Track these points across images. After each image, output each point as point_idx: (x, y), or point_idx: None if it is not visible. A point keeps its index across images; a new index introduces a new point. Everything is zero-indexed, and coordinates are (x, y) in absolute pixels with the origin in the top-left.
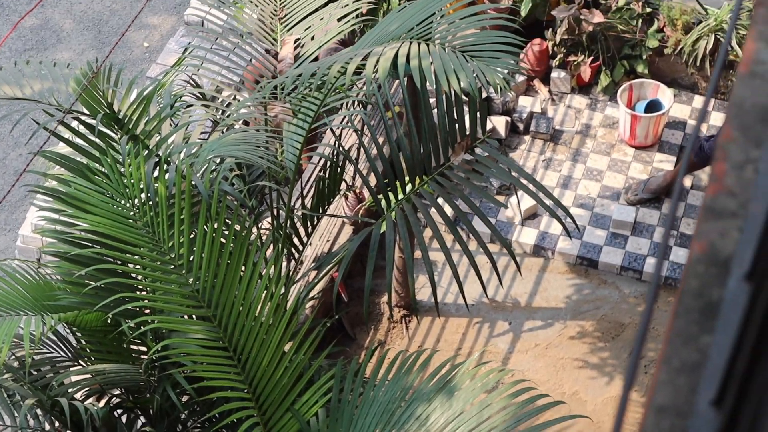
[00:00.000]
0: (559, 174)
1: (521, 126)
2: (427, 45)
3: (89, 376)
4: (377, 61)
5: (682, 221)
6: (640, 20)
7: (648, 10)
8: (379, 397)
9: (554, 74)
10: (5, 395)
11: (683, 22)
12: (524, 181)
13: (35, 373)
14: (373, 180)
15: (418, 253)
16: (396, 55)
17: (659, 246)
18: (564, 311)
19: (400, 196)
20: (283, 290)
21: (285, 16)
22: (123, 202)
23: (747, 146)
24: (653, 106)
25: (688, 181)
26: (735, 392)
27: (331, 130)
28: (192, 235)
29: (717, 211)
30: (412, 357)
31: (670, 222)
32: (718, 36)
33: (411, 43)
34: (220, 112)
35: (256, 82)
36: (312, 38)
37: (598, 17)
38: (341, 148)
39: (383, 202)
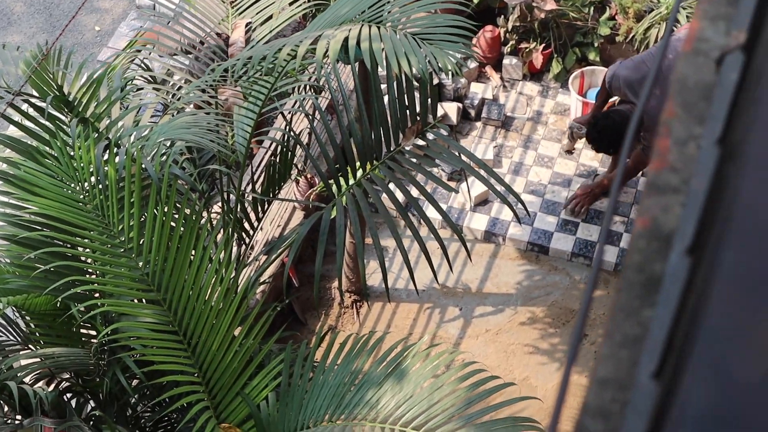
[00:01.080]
0: (510, 160)
1: (473, 112)
2: (378, 28)
3: (39, 359)
4: (327, 44)
5: (632, 208)
6: (592, 8)
7: None
8: (329, 381)
9: (506, 61)
10: None
11: (635, 10)
12: (475, 167)
13: None
14: (324, 165)
15: (369, 239)
16: (347, 38)
17: (601, 230)
18: (515, 297)
19: (351, 181)
20: (233, 274)
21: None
22: (73, 185)
23: (689, 123)
24: None
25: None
26: (673, 364)
27: (282, 114)
28: (142, 219)
29: (660, 187)
30: (362, 340)
31: (612, 207)
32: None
33: (362, 25)
34: (171, 95)
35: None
36: (263, 22)
37: (550, 4)
38: (292, 133)
39: (334, 187)
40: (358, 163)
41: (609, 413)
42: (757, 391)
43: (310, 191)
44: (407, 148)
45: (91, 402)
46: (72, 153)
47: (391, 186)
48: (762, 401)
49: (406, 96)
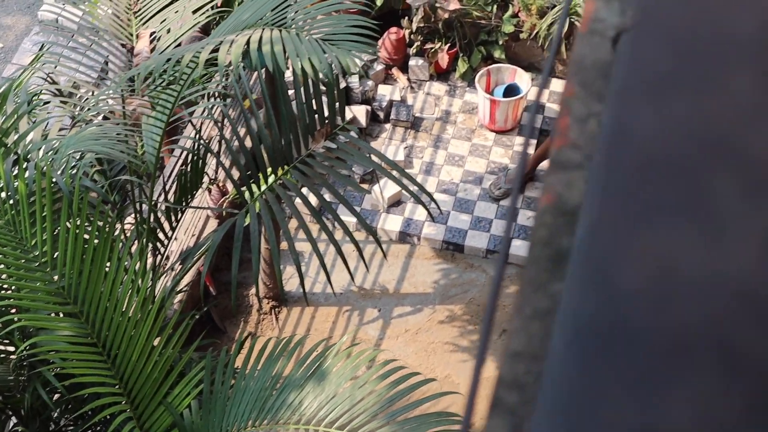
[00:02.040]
0: (421, 161)
1: (381, 114)
2: (280, 31)
3: None
4: (229, 49)
5: None
6: (495, 6)
7: None
8: (251, 386)
9: (412, 62)
10: None
11: (537, 6)
12: (387, 168)
13: None
14: (236, 173)
15: (284, 244)
16: (248, 42)
17: (507, 217)
18: (432, 296)
19: (264, 187)
20: (149, 284)
21: (140, 9)
22: None
23: (589, 101)
24: (511, 91)
25: (547, 163)
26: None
27: (191, 122)
28: (55, 233)
29: (563, 164)
30: (282, 344)
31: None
32: (572, 20)
33: (263, 29)
34: (78, 108)
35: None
36: (168, 31)
37: (453, 4)
38: (202, 141)
39: (247, 194)
40: (269, 169)
41: (523, 385)
42: (641, 297)
43: (222, 199)
44: (318, 152)
45: (13, 418)
46: None
47: (304, 190)
48: (645, 306)
49: (313, 99)
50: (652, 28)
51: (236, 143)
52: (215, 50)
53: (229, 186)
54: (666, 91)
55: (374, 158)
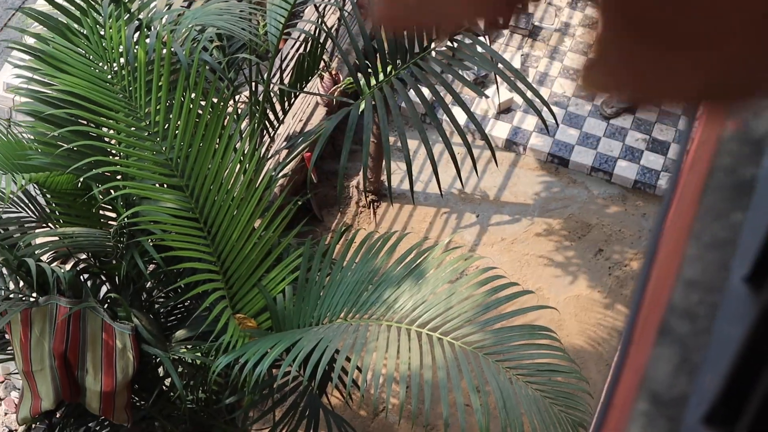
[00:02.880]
0: (535, 70)
1: (501, 20)
2: None
3: (57, 238)
4: None
5: (654, 126)
6: None
7: None
8: (347, 278)
9: None
10: None
11: None
12: (507, 72)
13: (2, 231)
14: (353, 60)
15: (391, 139)
16: None
17: (673, 159)
18: (532, 208)
19: (381, 78)
20: (255, 166)
21: None
22: (101, 64)
23: None
24: None
25: None
26: None
27: (315, 6)
28: (169, 104)
29: None
30: (380, 240)
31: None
32: None
33: None
34: None
35: None
36: None
37: None
38: (324, 25)
39: (362, 84)
40: (387, 61)
41: (696, 315)
42: None
43: (334, 87)
44: (438, 49)
45: (107, 284)
46: (102, 32)
47: (419, 86)
48: None
49: None
50: None
51: (356, 30)
52: None
53: (342, 75)
54: None
55: (494, 62)
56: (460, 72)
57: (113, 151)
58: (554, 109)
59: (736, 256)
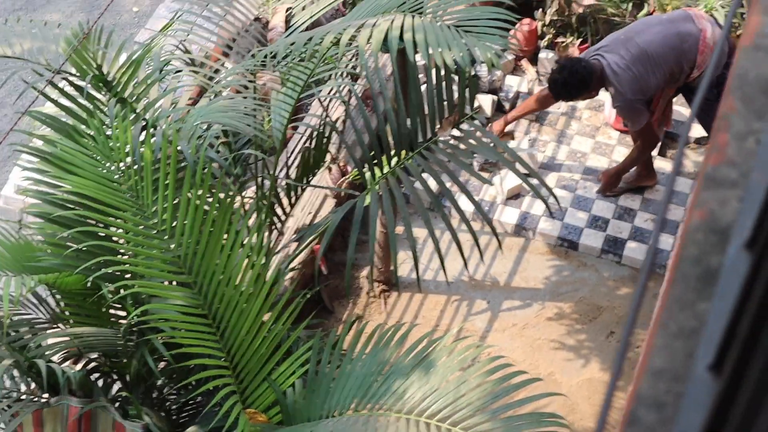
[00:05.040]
0: (543, 154)
1: (507, 105)
2: (420, 18)
3: (67, 338)
4: (371, 33)
5: (663, 207)
6: (630, 4)
7: None
8: (357, 370)
9: (542, 55)
10: None
11: (673, 7)
12: (510, 160)
13: (13, 333)
14: (358, 153)
15: (399, 229)
16: (389, 28)
17: (638, 230)
18: (543, 292)
19: (386, 170)
20: (264, 260)
21: None
22: (108, 164)
23: (749, 117)
24: None
25: (668, 166)
26: (736, 359)
27: (319, 100)
28: (176, 201)
29: (717, 181)
30: (390, 331)
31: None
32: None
33: (405, 15)
34: (209, 78)
35: (226, 52)
36: (303, 8)
37: None
38: (328, 119)
39: (368, 175)
40: (392, 152)
41: (663, 404)
42: None
43: (342, 179)
44: (442, 139)
45: (118, 383)
46: (109, 133)
47: (425, 176)
48: None
49: (444, 86)
50: None
51: (361, 124)
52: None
53: (350, 167)
54: None
55: (499, 150)
56: (467, 160)
57: (122, 250)
58: (562, 192)
59: (701, 345)
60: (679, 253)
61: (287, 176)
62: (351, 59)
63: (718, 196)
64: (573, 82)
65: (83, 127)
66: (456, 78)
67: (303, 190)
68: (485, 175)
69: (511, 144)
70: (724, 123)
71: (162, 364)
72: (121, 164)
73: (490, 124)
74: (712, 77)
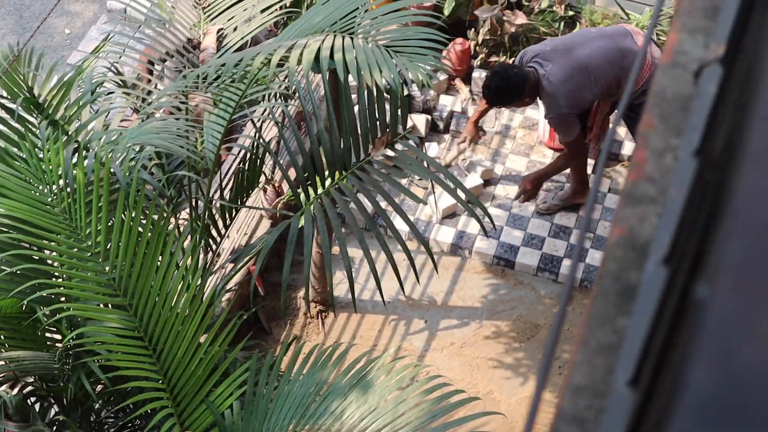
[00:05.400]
0: (477, 174)
1: (441, 125)
2: (351, 39)
3: (3, 363)
4: (301, 53)
5: (599, 224)
6: (563, 23)
7: (570, 13)
8: (294, 391)
9: (476, 74)
10: None
11: (605, 25)
12: (444, 179)
13: None
14: (292, 173)
15: (335, 249)
16: (320, 48)
17: (574, 247)
18: (480, 311)
19: (320, 191)
20: (199, 281)
21: (208, 5)
22: (41, 187)
23: (667, 134)
24: None
25: (606, 185)
26: (650, 372)
27: (252, 121)
28: (110, 223)
29: (637, 197)
30: (327, 351)
31: (587, 222)
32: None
33: (335, 36)
34: (141, 99)
35: (150, 63)
36: (235, 29)
37: (520, 18)
38: (262, 140)
39: (302, 196)
40: (326, 173)
41: (584, 420)
42: (761, 379)
43: (277, 200)
44: (376, 159)
45: (55, 407)
46: (41, 155)
47: (359, 196)
48: (765, 389)
49: (376, 106)
50: None
51: (295, 145)
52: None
53: (285, 187)
54: None
55: (432, 169)
56: (401, 179)
57: (56, 273)
58: (498, 211)
59: (620, 361)
60: (600, 269)
61: (221, 197)
62: (284, 80)
63: (638, 212)
64: (505, 88)
65: (15, 149)
66: (388, 98)
67: (238, 212)
68: (421, 193)
69: (471, 157)
70: (642, 140)
71: (99, 387)
72: (54, 187)
73: (464, 137)
74: (641, 95)
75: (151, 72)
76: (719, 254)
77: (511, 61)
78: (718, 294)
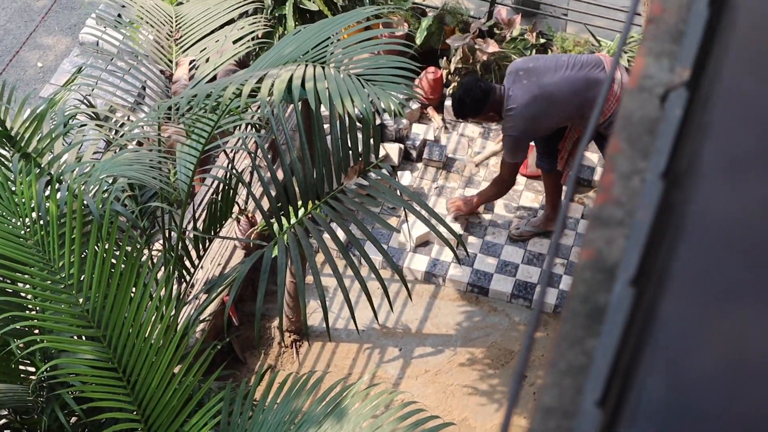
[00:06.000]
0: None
1: (414, 153)
2: (323, 68)
3: None
4: (272, 84)
5: (571, 250)
6: (534, 51)
7: (542, 41)
8: (269, 420)
9: (448, 102)
10: None
11: (576, 53)
12: (417, 207)
13: None
14: (266, 203)
15: (309, 278)
16: (291, 78)
17: (544, 272)
18: (454, 338)
19: (293, 220)
20: (173, 312)
21: (180, 37)
22: (14, 220)
23: (634, 157)
24: None
25: (579, 212)
26: (617, 392)
27: (225, 152)
28: (83, 255)
29: (604, 220)
30: (302, 379)
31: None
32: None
33: (306, 65)
34: (114, 132)
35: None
36: (207, 60)
37: (492, 47)
38: (234, 171)
39: (276, 226)
40: (300, 202)
41: None
42: (711, 384)
43: (251, 230)
44: (349, 188)
45: None
46: (13, 188)
47: (333, 225)
48: (715, 393)
49: (348, 136)
50: (733, 102)
51: (268, 175)
52: (257, 82)
53: (258, 217)
54: (745, 169)
55: (405, 198)
56: (372, 208)
57: (29, 305)
58: (471, 239)
59: (588, 381)
60: (569, 292)
61: (195, 228)
62: (256, 110)
63: (605, 235)
64: (467, 100)
65: None
66: (361, 127)
67: (211, 242)
68: (394, 221)
69: (419, 192)
70: (609, 163)
71: (73, 419)
72: (27, 219)
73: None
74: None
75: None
76: (670, 264)
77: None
78: (668, 304)
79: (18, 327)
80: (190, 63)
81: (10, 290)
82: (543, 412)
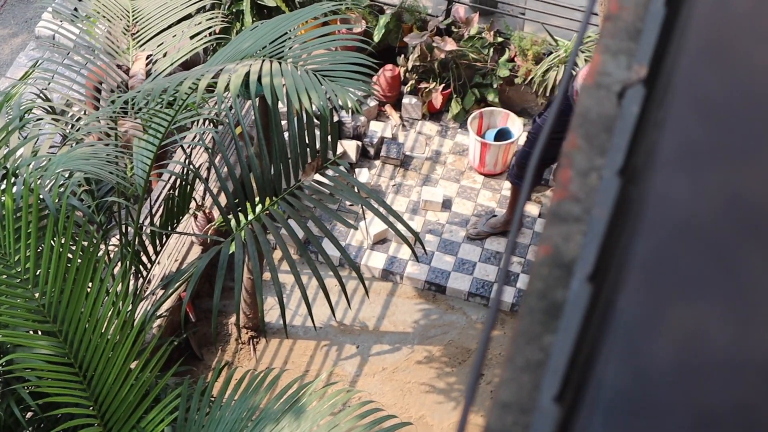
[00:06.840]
0: (408, 199)
1: (372, 151)
2: (280, 64)
3: None
4: (229, 79)
5: (528, 249)
6: (492, 49)
7: (499, 39)
8: (226, 417)
9: (405, 100)
10: None
11: (534, 52)
12: (375, 205)
13: None
14: (223, 199)
15: (266, 275)
16: (248, 73)
17: (501, 270)
18: (412, 336)
19: (250, 216)
20: (130, 308)
21: (137, 32)
22: None
23: (591, 154)
24: (503, 135)
25: (536, 210)
26: (574, 387)
27: (182, 147)
28: (39, 250)
29: (562, 216)
30: (259, 376)
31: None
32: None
33: (263, 61)
34: (70, 126)
35: (97, 90)
36: (164, 55)
37: (450, 45)
38: (191, 166)
39: (233, 222)
40: (257, 198)
41: None
42: (667, 376)
43: (208, 226)
44: (307, 184)
45: None
46: None
47: (291, 222)
48: (671, 385)
49: (306, 132)
50: (689, 96)
51: (225, 170)
52: (214, 77)
53: (216, 213)
54: (701, 161)
55: (363, 194)
56: (330, 205)
57: None
58: (429, 237)
59: (546, 377)
60: (526, 288)
61: (152, 223)
62: (213, 106)
63: (562, 231)
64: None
65: None
66: (318, 123)
67: (168, 238)
68: (352, 218)
69: (377, 189)
70: (567, 160)
71: (29, 414)
72: None
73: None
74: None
75: (98, 98)
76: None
77: (441, 87)
78: (626, 294)
79: None
80: (146, 58)
81: None
82: (500, 407)
